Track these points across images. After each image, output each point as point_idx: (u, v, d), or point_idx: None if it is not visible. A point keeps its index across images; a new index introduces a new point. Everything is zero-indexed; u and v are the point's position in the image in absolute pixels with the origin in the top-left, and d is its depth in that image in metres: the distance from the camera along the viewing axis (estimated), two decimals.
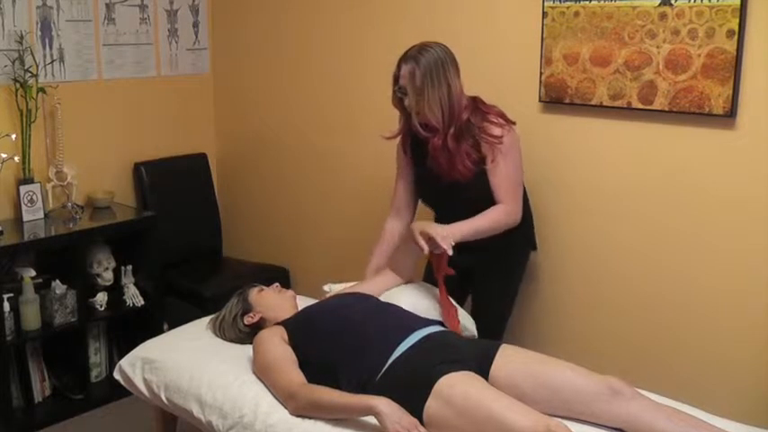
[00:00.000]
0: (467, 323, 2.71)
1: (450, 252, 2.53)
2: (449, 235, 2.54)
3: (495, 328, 2.87)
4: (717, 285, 2.67)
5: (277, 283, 2.80)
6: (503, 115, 2.69)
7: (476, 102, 2.70)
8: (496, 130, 2.65)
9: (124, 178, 3.88)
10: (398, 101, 2.69)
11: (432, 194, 2.87)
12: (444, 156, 2.65)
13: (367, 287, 2.69)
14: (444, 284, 2.66)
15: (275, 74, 3.92)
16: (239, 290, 2.76)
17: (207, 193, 4.16)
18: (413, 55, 2.60)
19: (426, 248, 2.55)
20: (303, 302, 2.73)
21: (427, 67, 2.57)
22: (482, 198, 2.67)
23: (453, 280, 2.69)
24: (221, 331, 2.70)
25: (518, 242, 2.83)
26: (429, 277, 2.85)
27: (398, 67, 2.63)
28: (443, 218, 2.77)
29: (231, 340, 2.67)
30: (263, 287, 2.75)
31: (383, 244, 2.89)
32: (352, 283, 2.80)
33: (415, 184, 2.89)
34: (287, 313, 2.59)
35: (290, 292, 2.76)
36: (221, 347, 2.63)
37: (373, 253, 2.90)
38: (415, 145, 2.79)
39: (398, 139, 2.84)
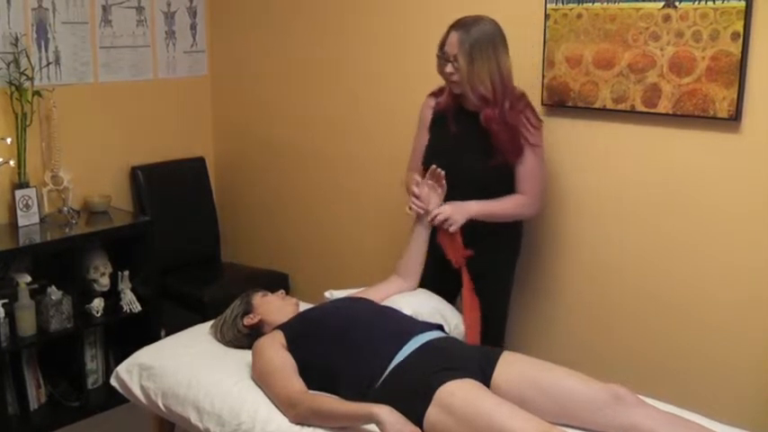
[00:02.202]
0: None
1: (455, 229, 2.55)
2: (460, 211, 2.56)
3: (495, 328, 2.85)
4: (720, 290, 2.66)
5: (282, 290, 2.78)
6: (537, 113, 2.75)
7: (522, 92, 2.74)
8: (534, 120, 2.70)
9: (121, 182, 3.85)
10: (441, 67, 2.68)
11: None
12: (504, 129, 2.64)
13: (370, 294, 2.66)
14: (467, 272, 2.63)
15: (274, 76, 3.90)
16: (244, 293, 2.75)
17: (205, 197, 4.13)
18: (464, 24, 2.61)
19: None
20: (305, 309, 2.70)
21: (478, 38, 2.58)
22: (495, 188, 2.68)
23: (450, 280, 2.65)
24: (221, 332, 2.68)
25: (504, 244, 2.83)
26: (429, 284, 2.82)
27: (448, 33, 2.64)
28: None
29: (229, 342, 2.65)
30: (268, 293, 2.73)
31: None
32: (353, 290, 2.77)
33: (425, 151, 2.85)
34: (287, 319, 2.56)
35: (293, 300, 2.74)
36: (220, 354, 2.61)
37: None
38: (439, 117, 2.80)
39: (429, 101, 2.85)
